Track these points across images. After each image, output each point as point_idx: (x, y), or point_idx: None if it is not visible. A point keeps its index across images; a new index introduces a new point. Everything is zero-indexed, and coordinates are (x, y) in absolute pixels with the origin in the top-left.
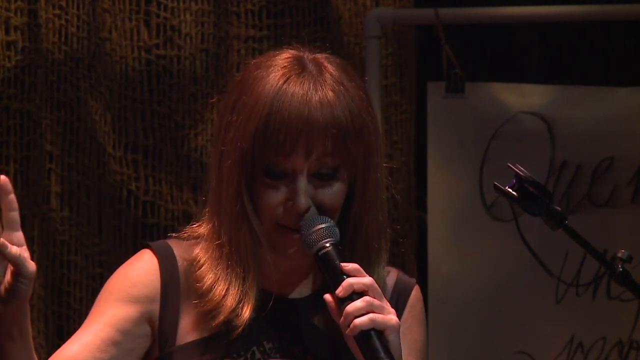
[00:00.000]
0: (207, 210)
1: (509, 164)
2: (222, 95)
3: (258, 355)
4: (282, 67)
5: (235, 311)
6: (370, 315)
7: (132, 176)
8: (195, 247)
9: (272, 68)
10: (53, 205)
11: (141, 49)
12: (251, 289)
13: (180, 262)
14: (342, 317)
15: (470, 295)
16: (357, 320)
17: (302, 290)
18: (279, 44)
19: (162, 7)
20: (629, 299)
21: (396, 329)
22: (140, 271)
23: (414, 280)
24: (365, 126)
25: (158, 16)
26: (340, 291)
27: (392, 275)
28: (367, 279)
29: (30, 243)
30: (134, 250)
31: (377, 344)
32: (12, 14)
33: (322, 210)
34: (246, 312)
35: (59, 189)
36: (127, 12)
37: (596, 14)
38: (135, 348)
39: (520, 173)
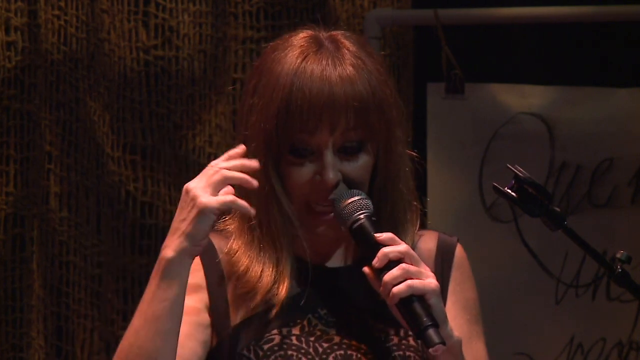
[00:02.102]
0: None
1: (509, 165)
2: (220, 96)
3: (314, 322)
4: (300, 47)
5: (271, 291)
6: (408, 282)
7: (131, 177)
8: (231, 237)
9: (289, 48)
10: (52, 205)
11: (139, 50)
12: (285, 268)
13: (219, 250)
14: (381, 287)
15: None
16: (396, 289)
17: (344, 260)
18: None
19: (160, 8)
20: (629, 299)
21: (436, 293)
22: None
23: (455, 238)
24: (386, 99)
25: (156, 17)
26: (376, 262)
27: (431, 238)
28: (402, 247)
29: (29, 243)
30: (133, 251)
31: (419, 309)
32: (12, 15)
33: (351, 183)
34: (282, 291)
35: (58, 190)
36: (126, 12)
37: (596, 14)
38: (205, 340)
39: (520, 174)
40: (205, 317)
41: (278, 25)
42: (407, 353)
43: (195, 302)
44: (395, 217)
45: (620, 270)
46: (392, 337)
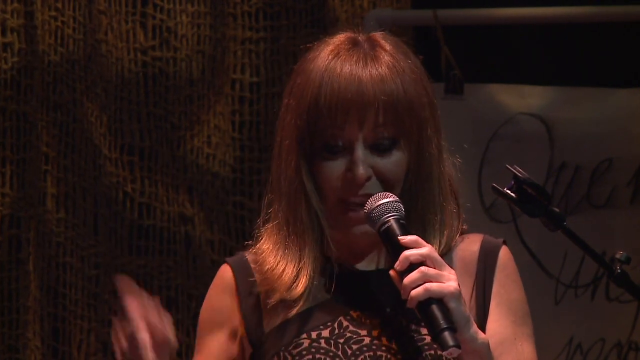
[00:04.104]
0: (271, 196)
1: (508, 166)
2: (219, 96)
3: (345, 324)
4: (333, 44)
5: (290, 288)
6: (426, 285)
7: (128, 178)
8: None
9: (324, 47)
10: (49, 207)
11: (137, 51)
12: (305, 266)
13: (253, 263)
14: (402, 291)
15: None
16: (413, 292)
17: (377, 263)
18: (275, 46)
19: (158, 8)
20: (628, 300)
21: (455, 296)
22: (217, 290)
23: (500, 240)
24: (418, 99)
25: (154, 18)
26: (397, 264)
27: (475, 240)
28: (424, 249)
29: (25, 245)
30: (130, 252)
31: (436, 312)
32: (8, 16)
33: (383, 180)
34: (299, 288)
35: (55, 191)
36: (123, 13)
37: (595, 15)
38: None
39: (519, 174)
40: (234, 347)
41: (277, 26)
42: (439, 353)
43: (223, 337)
44: (426, 218)
45: (619, 270)
46: (425, 336)
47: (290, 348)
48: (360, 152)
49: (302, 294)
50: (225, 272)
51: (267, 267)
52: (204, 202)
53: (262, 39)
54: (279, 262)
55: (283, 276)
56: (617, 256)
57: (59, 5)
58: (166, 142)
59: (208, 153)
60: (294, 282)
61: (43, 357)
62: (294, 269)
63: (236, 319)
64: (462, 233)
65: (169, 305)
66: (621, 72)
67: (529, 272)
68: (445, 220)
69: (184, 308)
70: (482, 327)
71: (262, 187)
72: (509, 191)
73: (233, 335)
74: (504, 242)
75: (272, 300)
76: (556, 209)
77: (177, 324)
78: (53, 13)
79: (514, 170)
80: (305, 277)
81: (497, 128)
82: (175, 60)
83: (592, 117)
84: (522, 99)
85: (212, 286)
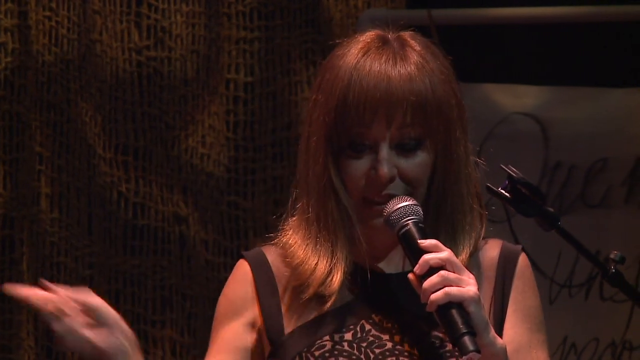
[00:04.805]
0: (297, 191)
1: (502, 166)
2: (213, 96)
3: (368, 327)
4: (363, 42)
5: (324, 283)
6: (446, 289)
7: (123, 178)
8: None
9: (353, 44)
10: (43, 206)
11: (132, 51)
12: (339, 262)
13: (271, 257)
14: (421, 295)
15: None
16: (433, 296)
17: (400, 266)
18: (270, 46)
19: (152, 8)
20: (622, 300)
21: (475, 300)
22: (234, 284)
23: (519, 247)
24: (446, 100)
25: (149, 18)
26: (417, 268)
27: (494, 246)
28: (443, 254)
29: (19, 245)
30: (124, 252)
31: (456, 316)
32: (2, 16)
33: (407, 181)
34: (335, 283)
35: (49, 191)
36: (118, 13)
37: (590, 15)
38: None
39: (513, 174)
40: (250, 337)
41: (271, 25)
42: (460, 359)
43: (238, 326)
44: (455, 220)
45: (613, 270)
46: (446, 343)
47: (312, 349)
48: (385, 151)
49: (336, 291)
50: (242, 266)
51: (296, 261)
52: (199, 202)
53: (256, 39)
54: (310, 256)
55: (317, 271)
56: (612, 256)
57: (53, 5)
58: (160, 142)
59: (202, 153)
60: (328, 277)
61: (37, 357)
62: (327, 265)
63: (255, 310)
64: (483, 237)
65: (163, 305)
66: (616, 72)
67: None
68: (474, 223)
69: (178, 308)
70: (499, 332)
71: (256, 187)
72: (503, 191)
73: (250, 325)
74: (523, 249)
75: (305, 295)
76: (550, 209)
77: (172, 324)
78: (47, 13)
79: (509, 170)
80: (339, 273)
81: (491, 128)
82: (169, 60)
83: (586, 116)
84: (516, 99)
85: (229, 280)
